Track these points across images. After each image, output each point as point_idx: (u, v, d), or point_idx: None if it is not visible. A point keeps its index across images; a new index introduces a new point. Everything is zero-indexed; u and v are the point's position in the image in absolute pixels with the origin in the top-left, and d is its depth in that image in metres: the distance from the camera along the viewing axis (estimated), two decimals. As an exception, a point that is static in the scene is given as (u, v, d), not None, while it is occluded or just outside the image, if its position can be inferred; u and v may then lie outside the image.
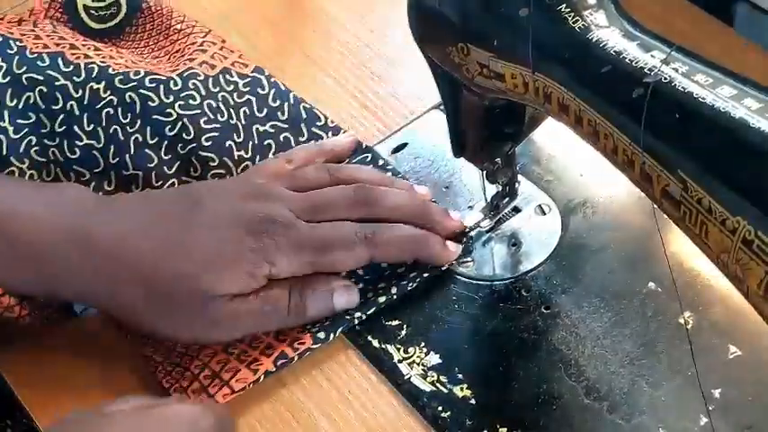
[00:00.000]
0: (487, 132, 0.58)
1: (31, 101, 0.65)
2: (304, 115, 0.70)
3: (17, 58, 0.66)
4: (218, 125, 0.67)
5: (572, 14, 0.46)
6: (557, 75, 0.47)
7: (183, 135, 0.66)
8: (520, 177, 0.64)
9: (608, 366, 0.56)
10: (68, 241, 0.57)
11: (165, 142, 0.65)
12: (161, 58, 0.73)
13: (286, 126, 0.69)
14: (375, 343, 0.59)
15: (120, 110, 0.66)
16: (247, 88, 0.70)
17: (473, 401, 0.56)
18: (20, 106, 0.65)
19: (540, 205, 0.64)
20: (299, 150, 0.67)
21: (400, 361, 0.58)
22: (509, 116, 0.56)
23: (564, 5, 0.46)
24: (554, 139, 0.67)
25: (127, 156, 0.65)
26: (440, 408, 0.55)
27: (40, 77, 0.66)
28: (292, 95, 0.71)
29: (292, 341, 0.59)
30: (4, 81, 0.65)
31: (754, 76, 0.42)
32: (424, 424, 0.56)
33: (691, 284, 0.58)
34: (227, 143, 0.67)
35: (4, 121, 0.64)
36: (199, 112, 0.66)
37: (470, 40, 0.50)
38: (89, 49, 0.69)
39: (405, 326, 0.59)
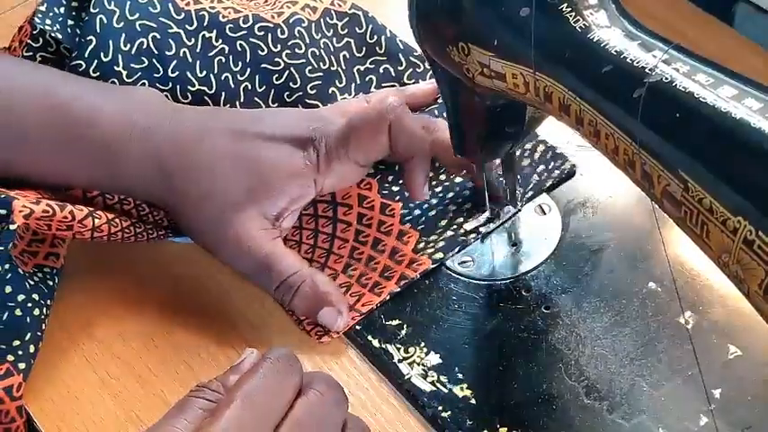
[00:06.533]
0: (488, 132, 0.58)
1: (144, 46, 0.66)
2: (401, 47, 0.72)
3: (129, 3, 0.67)
4: (320, 73, 0.69)
5: (573, 14, 0.46)
6: (558, 75, 0.47)
7: (290, 84, 0.68)
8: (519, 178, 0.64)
9: (608, 366, 0.56)
10: (133, 139, 0.60)
11: (273, 91, 0.68)
12: (262, 4, 0.74)
13: (385, 58, 0.71)
14: (375, 343, 0.59)
15: (231, 58, 0.68)
16: (345, 30, 0.71)
17: (473, 401, 0.56)
18: (133, 51, 0.66)
19: (540, 205, 0.64)
20: (379, 92, 0.69)
21: (400, 361, 0.58)
22: (509, 116, 0.56)
23: (565, 5, 0.46)
24: (554, 139, 0.67)
25: (237, 103, 0.68)
26: (440, 407, 0.55)
27: (153, 24, 0.67)
28: (388, 30, 0.72)
29: (410, 262, 0.62)
30: (118, 26, 0.66)
31: (754, 76, 0.42)
32: (423, 424, 0.56)
33: (691, 284, 0.58)
34: (330, 90, 0.69)
35: (118, 66, 0.66)
36: (304, 61, 0.68)
37: (471, 39, 0.50)
38: None
39: (405, 326, 0.59)
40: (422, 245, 0.63)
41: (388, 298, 0.60)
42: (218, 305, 0.63)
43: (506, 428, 0.54)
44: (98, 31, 0.66)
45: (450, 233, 0.63)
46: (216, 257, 0.63)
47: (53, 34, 0.67)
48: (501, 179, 0.61)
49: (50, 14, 0.67)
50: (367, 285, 0.61)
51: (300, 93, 0.68)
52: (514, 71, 0.49)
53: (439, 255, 0.62)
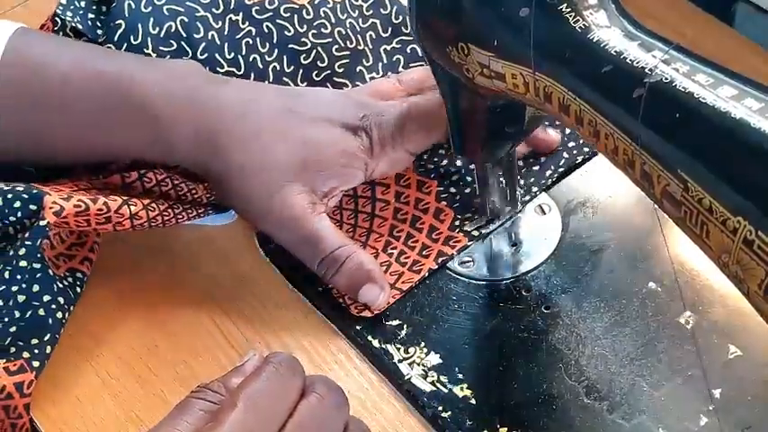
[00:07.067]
0: (488, 132, 0.58)
1: (173, 29, 0.68)
2: None
3: None
4: (347, 52, 0.70)
5: (573, 14, 0.46)
6: (557, 75, 0.47)
7: (318, 63, 0.69)
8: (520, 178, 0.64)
9: (608, 366, 0.56)
10: (176, 108, 0.60)
11: (301, 71, 0.69)
12: None
13: (411, 38, 0.71)
14: (375, 343, 0.59)
15: (258, 40, 0.69)
16: (370, 11, 0.72)
17: (473, 401, 0.56)
18: (161, 34, 0.67)
19: (540, 205, 0.64)
20: (410, 72, 0.69)
21: (400, 361, 0.58)
22: (509, 116, 0.56)
23: (565, 5, 0.46)
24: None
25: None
26: (440, 408, 0.55)
27: (181, 9, 0.68)
28: None
29: (447, 240, 0.63)
30: (146, 11, 0.68)
31: (754, 76, 0.42)
32: (424, 424, 0.56)
33: (691, 284, 0.58)
34: (358, 68, 0.70)
35: (148, 48, 0.67)
36: (330, 40, 0.69)
37: (471, 39, 0.50)
38: None
39: (405, 326, 0.59)
40: (457, 222, 0.64)
41: (426, 275, 0.61)
42: (219, 306, 0.63)
43: (506, 428, 0.54)
44: (126, 15, 0.67)
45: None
46: (259, 228, 0.64)
47: (74, 25, 0.68)
48: (501, 179, 0.61)
49: (72, 7, 0.69)
50: (406, 264, 0.62)
51: (328, 71, 0.69)
52: (514, 71, 0.49)
53: (475, 232, 0.63)
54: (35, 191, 0.58)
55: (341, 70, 0.69)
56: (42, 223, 0.57)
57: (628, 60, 0.44)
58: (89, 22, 0.69)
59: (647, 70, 0.43)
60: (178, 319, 0.62)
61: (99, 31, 0.69)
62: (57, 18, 0.68)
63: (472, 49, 0.50)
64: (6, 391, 0.55)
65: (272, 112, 0.62)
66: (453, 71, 0.53)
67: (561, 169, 0.65)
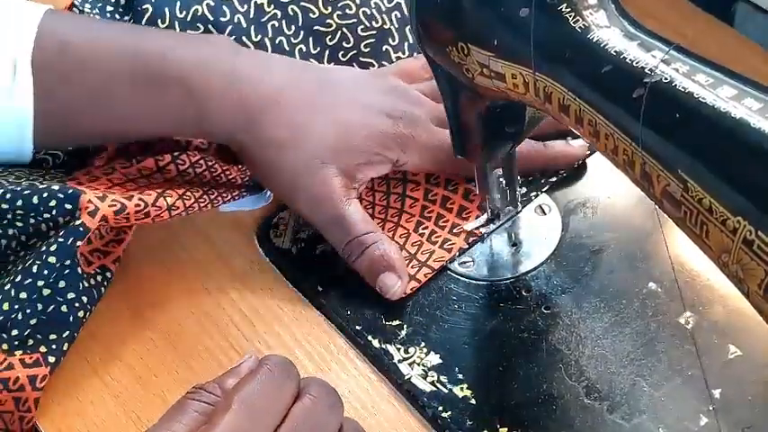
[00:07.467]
0: (488, 132, 0.58)
1: (199, 13, 0.69)
2: None
3: None
4: (373, 32, 0.70)
5: (573, 14, 0.46)
6: (557, 75, 0.47)
7: (344, 44, 0.70)
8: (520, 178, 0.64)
9: (608, 366, 0.56)
10: (214, 77, 0.61)
11: (327, 52, 0.70)
12: None
13: None
14: (375, 343, 0.59)
15: (284, 22, 0.69)
16: None
17: (473, 401, 0.56)
18: (188, 18, 0.68)
19: (540, 205, 0.64)
20: None
21: (400, 361, 0.58)
22: (509, 116, 0.56)
23: (564, 5, 0.46)
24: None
25: None
26: (440, 408, 0.55)
27: None
28: None
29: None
30: None
31: (754, 76, 0.42)
32: (424, 424, 0.56)
33: (691, 284, 0.58)
34: (384, 48, 0.71)
35: (175, 30, 0.68)
36: (356, 20, 0.70)
37: (470, 39, 0.50)
38: None
39: (405, 326, 0.59)
40: (485, 202, 0.64)
41: (458, 254, 0.62)
42: (219, 306, 0.63)
43: (506, 429, 0.54)
44: (153, 0, 0.68)
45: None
46: (291, 206, 0.64)
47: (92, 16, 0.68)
48: (501, 179, 0.61)
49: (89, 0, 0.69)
50: (437, 242, 0.63)
51: (354, 52, 0.70)
52: (514, 71, 0.49)
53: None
54: (71, 190, 0.58)
55: (367, 50, 0.70)
56: (77, 223, 0.57)
57: (628, 60, 0.44)
58: (108, 15, 0.69)
59: (647, 70, 0.43)
60: (178, 319, 0.62)
61: None
62: (74, 8, 0.69)
63: (472, 48, 0.50)
64: (20, 383, 0.55)
65: (306, 90, 0.63)
66: (453, 71, 0.53)
67: (590, 152, 0.66)
